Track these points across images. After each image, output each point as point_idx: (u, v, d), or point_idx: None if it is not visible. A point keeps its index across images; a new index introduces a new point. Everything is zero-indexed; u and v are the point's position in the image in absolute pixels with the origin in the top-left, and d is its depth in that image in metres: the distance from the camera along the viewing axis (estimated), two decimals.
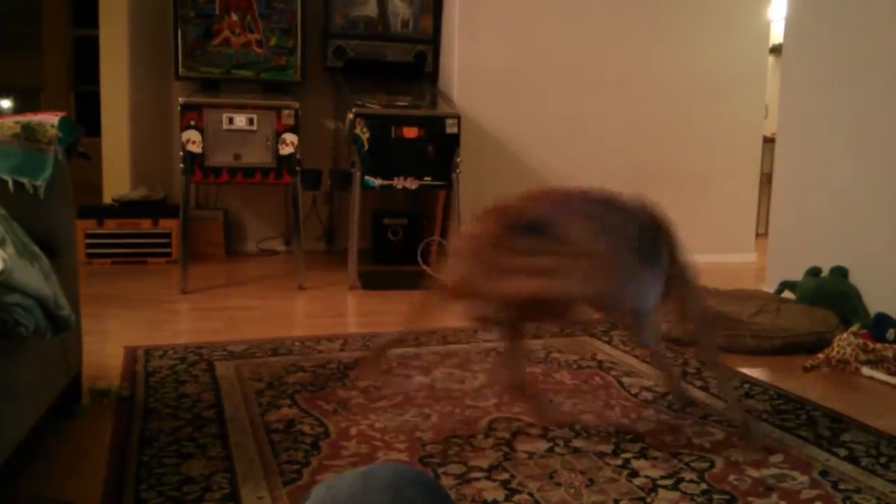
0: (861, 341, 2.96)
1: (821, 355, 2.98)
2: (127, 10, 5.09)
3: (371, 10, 5.05)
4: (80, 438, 2.16)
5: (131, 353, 2.91)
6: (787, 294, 3.78)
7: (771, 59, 5.70)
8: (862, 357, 2.91)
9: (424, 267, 4.72)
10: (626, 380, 2.71)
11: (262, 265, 4.99)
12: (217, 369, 2.73)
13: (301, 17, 4.88)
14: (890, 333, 3.10)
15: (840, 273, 3.59)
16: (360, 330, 3.43)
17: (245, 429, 2.20)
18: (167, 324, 3.48)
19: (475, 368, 2.81)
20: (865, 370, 2.87)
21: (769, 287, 4.03)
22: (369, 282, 4.32)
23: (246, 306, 3.83)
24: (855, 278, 3.56)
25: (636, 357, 2.98)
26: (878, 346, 2.96)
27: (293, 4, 4.86)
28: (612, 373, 2.79)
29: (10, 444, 1.66)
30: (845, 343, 2.96)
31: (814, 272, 3.68)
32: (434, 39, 5.16)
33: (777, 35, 5.65)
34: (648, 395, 2.54)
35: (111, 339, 3.24)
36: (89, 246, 4.75)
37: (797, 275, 3.75)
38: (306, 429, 2.20)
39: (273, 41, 4.86)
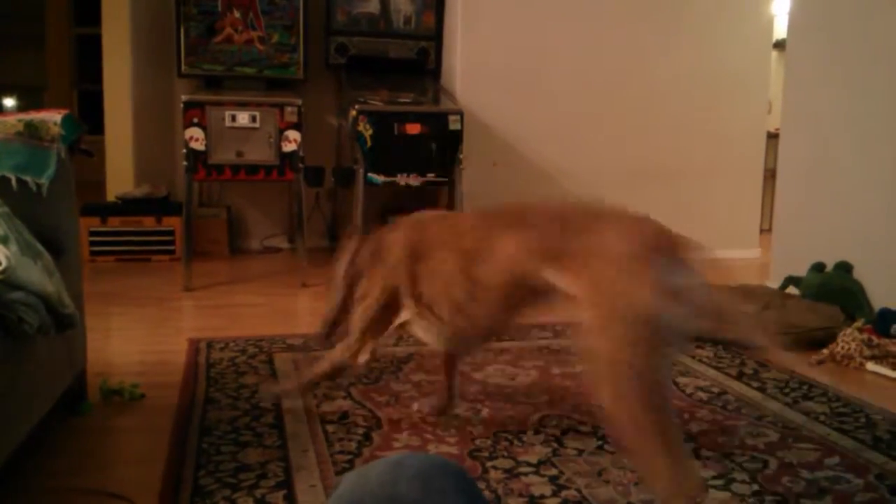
0: (865, 336, 2.96)
1: (826, 351, 2.98)
2: (129, 8, 5.09)
3: (373, 6, 5.05)
4: (98, 435, 2.17)
5: (194, 345, 2.98)
6: (791, 290, 3.77)
7: (774, 54, 5.68)
8: (866, 352, 2.91)
9: None
10: (680, 379, 2.69)
11: (266, 262, 4.99)
12: (276, 361, 2.81)
13: (303, 14, 4.87)
14: (894, 328, 3.10)
15: (844, 268, 3.58)
16: None
17: (300, 419, 2.26)
18: (171, 321, 3.48)
19: (527, 365, 2.82)
20: (870, 365, 2.87)
21: (773, 283, 4.02)
22: None
23: (250, 303, 3.84)
24: (859, 274, 3.55)
25: (691, 357, 2.96)
26: (883, 341, 2.96)
27: (295, 1, 4.85)
28: None
29: (15, 440, 1.66)
30: (850, 338, 2.96)
31: (818, 268, 3.68)
32: (436, 36, 5.15)
33: (780, 30, 5.63)
34: (703, 396, 2.52)
35: (115, 336, 3.24)
36: (93, 244, 4.75)
37: (801, 270, 3.74)
38: (359, 420, 2.26)
39: (275, 38, 4.86)
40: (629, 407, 1.46)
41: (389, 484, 0.85)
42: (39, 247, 1.81)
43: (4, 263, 1.56)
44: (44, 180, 2.07)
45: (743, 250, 5.45)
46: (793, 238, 4.06)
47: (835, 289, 3.51)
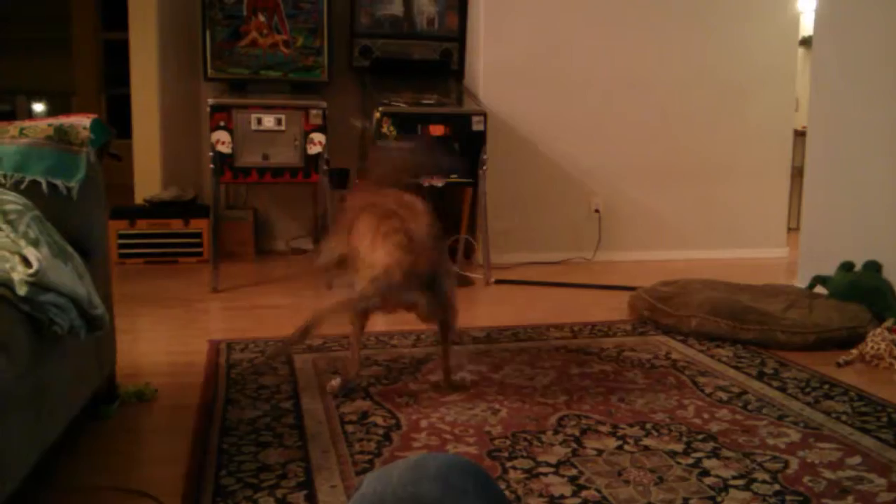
0: (895, 337, 2.92)
1: (854, 351, 2.95)
2: (156, 12, 5.14)
3: (397, 8, 5.06)
4: (122, 435, 2.20)
5: (214, 346, 3.02)
6: (819, 289, 3.73)
7: (801, 51, 5.63)
8: None
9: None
10: (700, 379, 2.68)
11: (292, 264, 5.02)
12: (295, 362, 2.84)
13: (327, 17, 4.90)
14: None
15: (873, 268, 3.54)
16: (388, 328, 3.44)
17: (320, 420, 2.29)
18: (199, 323, 3.52)
19: (545, 365, 2.82)
20: None
21: (801, 282, 3.98)
22: None
23: (276, 305, 3.86)
24: (889, 273, 3.51)
25: (711, 357, 2.95)
26: None
27: (319, 5, 4.88)
28: (687, 372, 2.76)
29: (48, 439, 1.69)
30: (879, 338, 2.93)
31: (847, 267, 3.63)
32: (460, 37, 5.16)
33: (807, 27, 5.57)
34: (723, 395, 2.51)
35: (144, 338, 3.28)
36: (122, 246, 4.81)
37: (829, 270, 3.70)
38: (379, 420, 2.28)
39: (300, 42, 4.89)
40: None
41: (411, 483, 0.86)
42: (70, 249, 1.84)
43: (36, 266, 1.59)
44: (73, 184, 2.11)
45: (770, 249, 5.40)
46: (821, 237, 4.02)
47: (864, 288, 3.47)
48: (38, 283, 1.59)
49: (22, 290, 1.56)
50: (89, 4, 9.59)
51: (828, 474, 1.93)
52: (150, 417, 2.35)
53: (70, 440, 2.07)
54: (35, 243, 1.66)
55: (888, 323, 3.04)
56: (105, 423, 2.26)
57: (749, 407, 2.41)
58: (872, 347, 2.91)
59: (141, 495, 1.80)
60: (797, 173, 5.41)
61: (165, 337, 3.31)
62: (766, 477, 1.91)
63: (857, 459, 2.02)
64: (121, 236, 4.80)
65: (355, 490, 0.91)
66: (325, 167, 4.27)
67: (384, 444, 2.11)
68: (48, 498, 1.83)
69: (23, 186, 2.03)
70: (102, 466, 2.00)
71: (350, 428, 2.22)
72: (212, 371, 2.73)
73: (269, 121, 4.21)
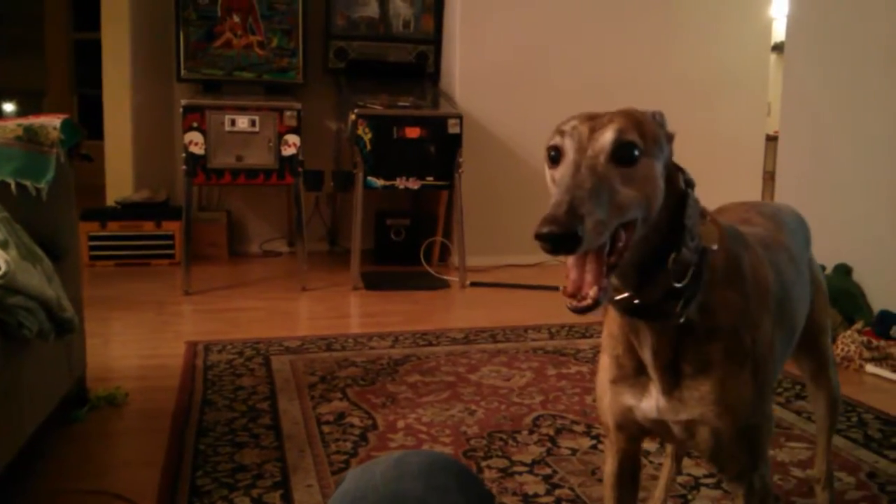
0: (865, 338, 2.96)
1: None
2: (128, 12, 5.09)
3: (372, 10, 5.06)
4: (97, 439, 2.17)
5: (192, 348, 2.99)
6: None
7: (773, 57, 5.70)
8: (866, 354, 2.91)
9: (427, 267, 4.72)
10: None
11: (266, 266, 4.99)
12: (273, 363, 2.82)
13: (302, 19, 4.88)
14: (893, 330, 3.09)
15: (844, 271, 3.58)
16: (364, 330, 3.44)
17: (297, 420, 2.28)
18: (171, 325, 3.48)
19: (522, 367, 2.83)
20: (869, 367, 2.87)
21: None
22: (372, 282, 4.32)
23: (249, 307, 3.84)
24: (859, 276, 3.55)
25: None
26: (882, 343, 2.96)
27: (294, 6, 4.86)
28: None
29: (15, 444, 1.67)
30: (849, 340, 2.96)
31: None
32: (435, 39, 5.16)
33: (779, 33, 5.64)
34: None
35: (115, 341, 3.24)
36: (92, 248, 4.75)
37: None
38: (355, 421, 2.28)
39: (275, 43, 4.87)
40: None
41: (393, 480, 0.85)
42: (39, 251, 1.81)
43: (4, 268, 1.56)
44: (43, 185, 2.08)
45: None
46: None
47: (834, 291, 3.50)
48: (7, 286, 1.56)
49: None
50: (61, 4, 9.49)
51: (797, 473, 1.95)
52: (123, 421, 2.32)
53: (42, 444, 2.04)
54: (3, 245, 1.64)
55: (858, 325, 3.08)
56: (77, 427, 2.23)
57: None
58: (843, 349, 2.95)
59: (116, 498, 1.78)
60: (769, 178, 5.47)
61: (137, 340, 3.27)
62: None
63: None
64: (92, 238, 4.74)
65: (338, 486, 0.90)
66: (300, 169, 4.25)
67: (360, 444, 2.11)
68: (23, 502, 1.80)
69: None
70: (76, 470, 1.97)
71: (326, 429, 2.21)
72: (188, 372, 2.71)
73: (242, 122, 4.18)
